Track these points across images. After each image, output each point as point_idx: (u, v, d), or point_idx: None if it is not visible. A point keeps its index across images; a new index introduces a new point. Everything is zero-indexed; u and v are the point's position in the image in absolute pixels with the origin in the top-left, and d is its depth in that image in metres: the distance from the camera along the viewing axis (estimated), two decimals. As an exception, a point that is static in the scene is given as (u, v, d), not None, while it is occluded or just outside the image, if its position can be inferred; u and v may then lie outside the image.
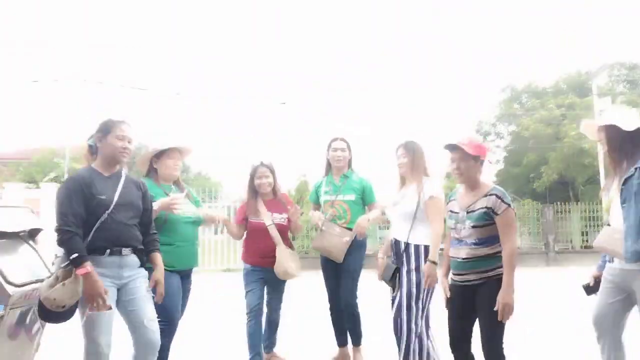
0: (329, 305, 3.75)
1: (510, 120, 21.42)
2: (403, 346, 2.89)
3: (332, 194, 3.67)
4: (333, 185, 3.71)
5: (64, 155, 15.83)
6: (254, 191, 3.56)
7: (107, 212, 2.42)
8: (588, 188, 17.76)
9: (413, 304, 2.91)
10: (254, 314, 3.45)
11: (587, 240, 14.24)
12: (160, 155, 3.15)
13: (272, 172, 3.57)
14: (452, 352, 2.65)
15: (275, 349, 3.76)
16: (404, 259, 3.01)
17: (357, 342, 3.68)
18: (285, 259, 3.42)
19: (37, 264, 2.76)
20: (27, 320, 2.59)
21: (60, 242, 2.31)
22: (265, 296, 3.59)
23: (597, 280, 2.63)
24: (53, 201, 2.50)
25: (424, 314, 2.99)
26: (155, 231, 2.75)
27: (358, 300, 3.64)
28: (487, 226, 2.48)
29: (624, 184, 2.30)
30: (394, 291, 3.11)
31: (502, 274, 2.44)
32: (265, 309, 3.59)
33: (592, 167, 16.50)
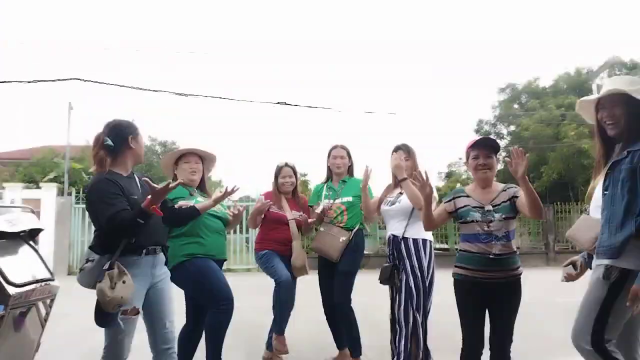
0: (323, 309, 3.76)
1: (510, 120, 21.42)
2: (403, 341, 2.92)
3: (331, 198, 3.76)
4: (332, 190, 3.80)
5: (64, 155, 15.81)
6: (277, 189, 3.76)
7: None
8: (588, 188, 17.72)
9: (415, 296, 2.98)
10: (286, 281, 3.40)
11: (587, 240, 14.19)
12: (178, 160, 3.18)
13: (295, 172, 3.81)
14: (469, 355, 2.55)
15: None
16: (404, 253, 3.07)
17: (356, 353, 3.51)
18: (303, 254, 3.65)
19: (37, 264, 2.75)
20: (27, 321, 2.58)
21: (120, 226, 2.17)
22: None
23: (575, 266, 2.41)
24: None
25: (426, 313, 3.04)
26: None
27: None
28: (513, 219, 2.54)
29: (610, 168, 2.03)
30: (393, 290, 3.12)
31: (521, 272, 2.55)
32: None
33: (592, 167, 16.41)
